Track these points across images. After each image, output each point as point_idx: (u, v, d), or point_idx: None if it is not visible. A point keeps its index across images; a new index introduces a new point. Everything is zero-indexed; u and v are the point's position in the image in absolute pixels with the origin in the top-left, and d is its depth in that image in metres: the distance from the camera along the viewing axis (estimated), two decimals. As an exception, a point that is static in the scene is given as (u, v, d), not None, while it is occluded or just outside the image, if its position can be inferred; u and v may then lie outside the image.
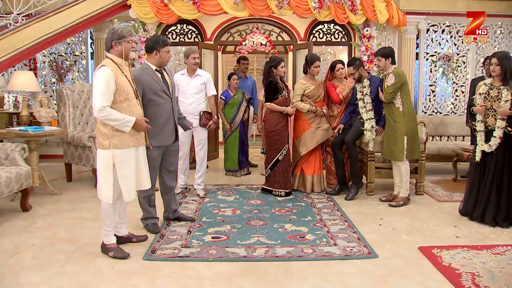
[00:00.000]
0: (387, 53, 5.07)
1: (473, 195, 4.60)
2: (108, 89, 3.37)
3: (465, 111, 7.26)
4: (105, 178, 3.49)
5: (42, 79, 8.20)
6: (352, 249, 3.76)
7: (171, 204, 4.47)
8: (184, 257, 3.60)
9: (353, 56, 7.54)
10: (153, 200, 4.28)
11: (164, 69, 4.16)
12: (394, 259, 3.58)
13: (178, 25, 7.74)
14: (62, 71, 8.01)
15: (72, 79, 8.24)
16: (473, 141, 5.85)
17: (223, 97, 6.85)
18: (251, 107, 7.11)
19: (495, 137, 4.35)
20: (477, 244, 3.88)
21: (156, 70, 4.07)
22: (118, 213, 3.77)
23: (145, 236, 4.00)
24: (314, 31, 8.03)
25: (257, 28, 7.84)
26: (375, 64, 5.41)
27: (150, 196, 4.22)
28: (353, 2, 6.68)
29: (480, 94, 4.48)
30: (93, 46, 8.03)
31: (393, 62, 5.11)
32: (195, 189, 5.63)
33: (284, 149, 5.52)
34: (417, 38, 8.12)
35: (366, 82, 5.36)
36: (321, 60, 9.27)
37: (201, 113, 5.36)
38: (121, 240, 3.81)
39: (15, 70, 7.67)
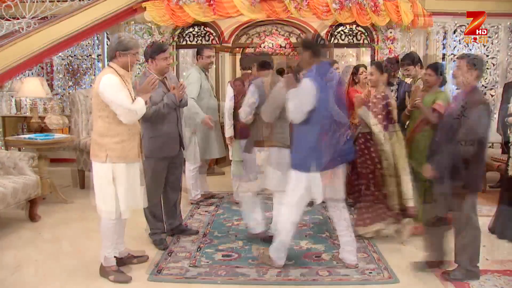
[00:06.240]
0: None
1: (504, 211, 4.25)
2: (125, 91, 3.21)
3: (496, 117, 6.84)
4: (104, 192, 3.25)
5: (58, 82, 8.15)
6: (371, 272, 3.49)
7: (173, 217, 4.29)
8: (191, 278, 3.40)
9: (376, 59, 7.20)
10: (160, 214, 4.11)
11: (165, 77, 3.98)
12: (416, 285, 3.29)
13: (196, 27, 7.55)
14: (78, 75, 7.93)
15: (89, 82, 8.16)
16: (505, 151, 5.50)
17: None
18: None
19: None
20: (509, 269, 3.55)
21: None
22: (117, 232, 3.55)
23: (146, 257, 3.77)
24: (335, 33, 7.72)
25: (276, 30, 7.60)
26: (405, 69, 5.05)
27: (156, 210, 4.06)
28: (375, 3, 6.34)
29: None
30: (109, 49, 7.92)
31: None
32: None
33: None
34: (444, 39, 7.74)
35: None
36: (343, 62, 9.07)
37: None
38: (120, 262, 3.57)
39: (29, 72, 7.62)
